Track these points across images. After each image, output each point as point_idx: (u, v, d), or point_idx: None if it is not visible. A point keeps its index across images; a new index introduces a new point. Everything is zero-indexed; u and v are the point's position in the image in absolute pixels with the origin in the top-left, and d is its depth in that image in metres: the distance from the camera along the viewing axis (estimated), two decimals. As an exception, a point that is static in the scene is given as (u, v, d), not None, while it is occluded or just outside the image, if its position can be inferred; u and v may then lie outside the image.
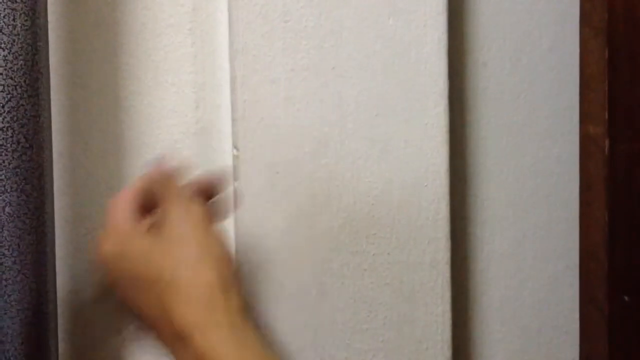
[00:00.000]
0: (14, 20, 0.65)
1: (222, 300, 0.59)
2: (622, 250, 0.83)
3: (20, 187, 0.66)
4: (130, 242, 0.62)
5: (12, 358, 0.66)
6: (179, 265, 0.60)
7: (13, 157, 0.65)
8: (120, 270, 0.62)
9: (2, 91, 0.65)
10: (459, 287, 0.85)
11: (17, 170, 0.66)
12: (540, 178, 0.87)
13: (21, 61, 0.65)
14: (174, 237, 0.61)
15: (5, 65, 0.65)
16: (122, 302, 0.63)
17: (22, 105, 0.66)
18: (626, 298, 0.83)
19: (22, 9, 0.65)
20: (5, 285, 0.66)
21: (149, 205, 0.65)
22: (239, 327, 0.59)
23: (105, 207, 0.65)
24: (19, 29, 0.65)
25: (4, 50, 0.65)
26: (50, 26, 0.71)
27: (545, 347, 0.88)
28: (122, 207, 0.64)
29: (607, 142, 0.82)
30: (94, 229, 0.80)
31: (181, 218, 0.62)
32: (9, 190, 0.65)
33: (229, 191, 0.71)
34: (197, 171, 0.79)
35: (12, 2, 0.64)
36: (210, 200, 0.67)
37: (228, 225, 0.76)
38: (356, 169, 0.78)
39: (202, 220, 0.62)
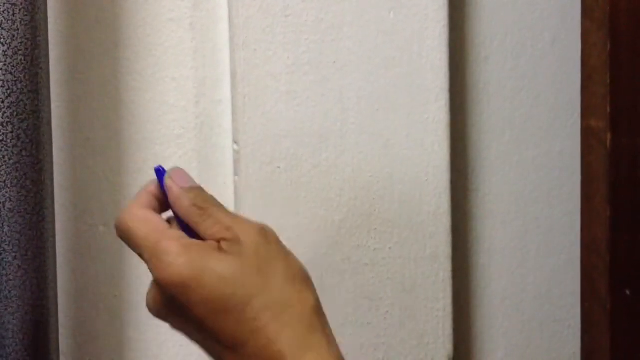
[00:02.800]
0: (13, 15, 0.65)
1: (319, 322, 0.55)
2: (623, 244, 0.83)
3: (21, 182, 0.66)
4: (208, 262, 0.54)
5: (13, 353, 0.67)
6: (273, 289, 0.55)
7: (13, 153, 0.65)
8: (198, 293, 0.54)
9: (1, 86, 0.65)
10: (461, 281, 0.85)
11: (18, 165, 0.66)
12: (541, 172, 0.87)
13: (21, 56, 0.65)
14: (260, 259, 0.55)
15: (5, 61, 0.65)
16: (187, 327, 0.57)
17: (22, 100, 0.66)
18: (628, 292, 0.83)
19: (21, 4, 0.65)
20: (6, 281, 0.66)
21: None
22: (335, 349, 0.56)
23: (122, 230, 0.58)
24: (19, 24, 0.65)
25: (3, 46, 0.64)
26: (50, 21, 0.71)
27: (547, 341, 0.88)
28: (156, 223, 0.57)
29: (608, 136, 0.82)
30: (95, 224, 0.80)
31: (257, 238, 0.56)
32: (9, 185, 0.65)
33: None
34: (197, 165, 0.80)
35: (12, -2, 0.64)
36: None
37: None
38: (357, 163, 0.78)
39: (278, 241, 0.57)
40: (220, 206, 0.57)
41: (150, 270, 0.56)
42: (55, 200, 0.71)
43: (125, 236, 0.58)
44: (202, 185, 0.79)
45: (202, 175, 0.80)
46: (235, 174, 0.77)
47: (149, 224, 0.57)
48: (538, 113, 0.86)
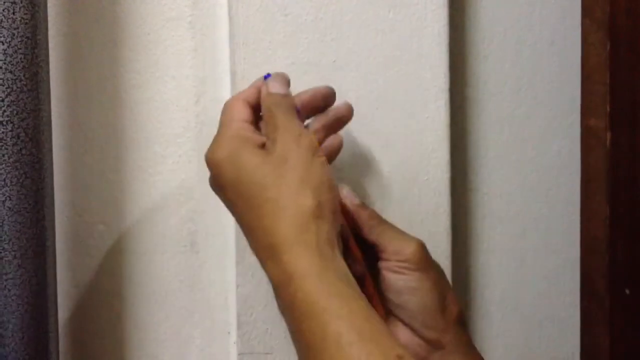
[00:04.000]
0: (13, 13, 0.65)
1: (314, 225, 0.62)
2: (622, 243, 0.83)
3: (21, 181, 0.66)
4: (243, 152, 0.65)
5: (12, 352, 0.67)
6: (282, 186, 0.63)
7: (13, 151, 0.65)
8: (228, 175, 0.65)
9: (1, 85, 0.65)
10: (460, 280, 0.85)
11: (17, 164, 0.66)
12: (541, 171, 0.87)
13: (21, 55, 0.65)
14: (283, 159, 0.64)
15: (5, 59, 0.65)
16: (224, 203, 0.67)
17: (22, 99, 0.65)
18: (627, 291, 0.83)
19: (21, 2, 0.65)
20: (6, 280, 0.66)
21: (256, 117, 0.69)
22: (326, 252, 0.62)
23: (223, 108, 0.68)
24: (19, 22, 0.65)
25: (3, 44, 0.64)
26: (50, 20, 0.71)
27: (546, 340, 0.88)
28: (238, 113, 0.67)
29: (608, 135, 0.82)
30: (94, 223, 0.80)
31: (292, 142, 0.65)
32: (9, 184, 0.65)
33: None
34: (197, 165, 0.80)
35: (12, -4, 0.64)
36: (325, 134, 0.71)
37: (228, 219, 0.76)
38: (356, 162, 0.78)
39: (309, 149, 0.65)
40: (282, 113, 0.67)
41: None
42: (55, 198, 0.71)
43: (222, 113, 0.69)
44: (202, 186, 0.79)
45: (202, 174, 0.80)
46: (235, 172, 0.77)
47: (235, 112, 0.68)
48: (537, 112, 0.86)
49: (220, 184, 0.66)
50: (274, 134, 0.66)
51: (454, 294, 0.71)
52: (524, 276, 0.88)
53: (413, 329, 0.70)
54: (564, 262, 0.88)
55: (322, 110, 0.71)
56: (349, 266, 0.64)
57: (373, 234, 0.71)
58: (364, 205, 0.72)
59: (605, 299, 0.84)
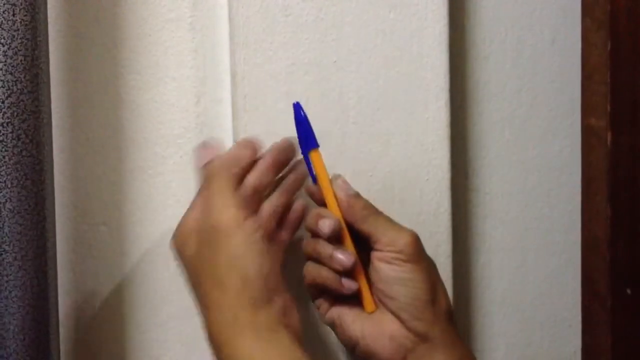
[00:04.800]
0: (13, 15, 0.65)
1: (249, 317, 0.65)
2: (624, 243, 0.83)
3: (21, 183, 0.66)
4: (188, 239, 0.69)
5: (13, 354, 0.67)
6: (214, 281, 0.66)
7: (13, 153, 0.65)
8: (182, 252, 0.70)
9: (2, 87, 0.65)
10: (461, 280, 0.85)
11: (18, 166, 0.66)
12: (542, 171, 0.87)
13: (21, 57, 0.65)
14: (222, 251, 0.67)
15: (5, 61, 0.65)
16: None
17: (22, 101, 0.65)
18: (628, 291, 0.83)
19: (21, 4, 0.65)
20: (7, 282, 0.66)
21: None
22: (267, 338, 0.65)
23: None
24: (19, 24, 0.65)
25: (3, 46, 0.64)
26: (50, 21, 0.71)
27: (548, 340, 0.88)
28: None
29: (609, 135, 0.82)
30: (95, 224, 0.80)
31: (236, 228, 0.67)
32: (9, 186, 0.65)
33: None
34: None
35: (12, -2, 0.64)
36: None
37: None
38: (357, 163, 0.78)
39: (252, 236, 0.67)
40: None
41: None
42: (56, 200, 0.71)
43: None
44: (203, 185, 0.78)
45: (203, 175, 0.80)
46: (236, 173, 0.77)
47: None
48: (538, 112, 0.86)
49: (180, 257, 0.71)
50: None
51: (444, 289, 0.72)
52: (525, 276, 0.88)
53: (402, 320, 0.70)
54: (565, 262, 0.88)
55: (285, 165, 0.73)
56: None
57: (366, 224, 0.71)
58: (358, 195, 0.72)
59: (606, 298, 0.84)
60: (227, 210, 0.67)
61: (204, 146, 0.72)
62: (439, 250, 0.79)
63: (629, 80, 0.82)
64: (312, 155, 0.71)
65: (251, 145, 0.70)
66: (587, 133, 0.85)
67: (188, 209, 0.70)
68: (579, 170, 0.86)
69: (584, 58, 0.85)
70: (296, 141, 0.71)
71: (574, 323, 0.88)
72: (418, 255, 0.70)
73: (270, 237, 0.69)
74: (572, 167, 0.87)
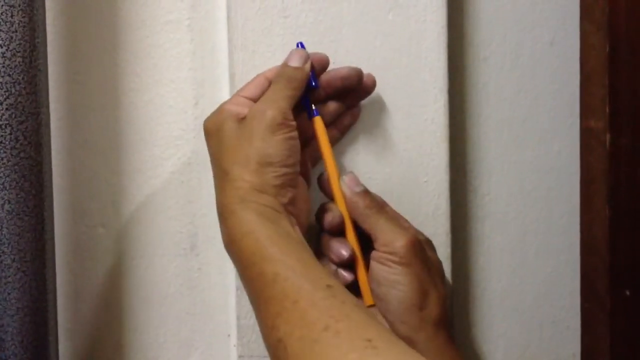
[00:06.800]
0: (11, 17, 0.65)
1: (254, 197, 0.68)
2: (623, 245, 0.83)
3: (19, 184, 0.66)
4: (224, 123, 0.70)
5: (12, 355, 0.67)
6: (234, 159, 0.69)
7: (12, 155, 0.65)
8: (211, 143, 0.72)
9: (0, 88, 0.65)
10: (460, 282, 0.85)
11: (16, 167, 0.66)
12: (541, 173, 0.87)
13: (19, 58, 0.65)
14: (244, 133, 0.69)
15: (4, 62, 0.65)
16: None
17: (21, 102, 0.65)
18: (627, 292, 0.83)
19: (19, 5, 0.65)
20: (5, 283, 0.66)
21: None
22: (267, 215, 0.67)
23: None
24: (17, 25, 0.65)
25: (1, 47, 0.64)
26: (48, 23, 0.71)
27: (547, 342, 0.88)
28: (244, 89, 0.73)
29: (608, 137, 0.82)
30: (93, 225, 0.80)
31: (255, 117, 0.69)
32: (7, 187, 0.65)
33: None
34: (197, 167, 0.80)
35: (10, -1, 0.64)
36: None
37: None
38: (356, 164, 0.78)
39: (269, 126, 0.69)
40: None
41: None
42: (54, 201, 0.71)
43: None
44: (201, 188, 0.79)
45: (202, 177, 0.80)
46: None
47: (244, 88, 0.73)
48: (537, 114, 0.86)
49: (208, 151, 0.72)
50: (247, 113, 0.70)
51: (440, 296, 0.72)
52: (525, 277, 0.87)
53: (389, 322, 0.71)
54: (564, 263, 0.88)
55: (343, 91, 0.75)
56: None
57: (367, 223, 0.72)
58: (363, 193, 0.73)
59: (605, 300, 0.83)
60: (277, 106, 0.70)
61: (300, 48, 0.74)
62: (438, 251, 0.79)
63: (628, 82, 0.82)
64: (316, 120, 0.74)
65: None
66: (586, 135, 0.85)
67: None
68: (577, 171, 0.86)
69: (582, 60, 0.85)
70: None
71: (572, 324, 0.88)
72: (412, 258, 0.70)
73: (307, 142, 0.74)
74: (571, 169, 0.87)
